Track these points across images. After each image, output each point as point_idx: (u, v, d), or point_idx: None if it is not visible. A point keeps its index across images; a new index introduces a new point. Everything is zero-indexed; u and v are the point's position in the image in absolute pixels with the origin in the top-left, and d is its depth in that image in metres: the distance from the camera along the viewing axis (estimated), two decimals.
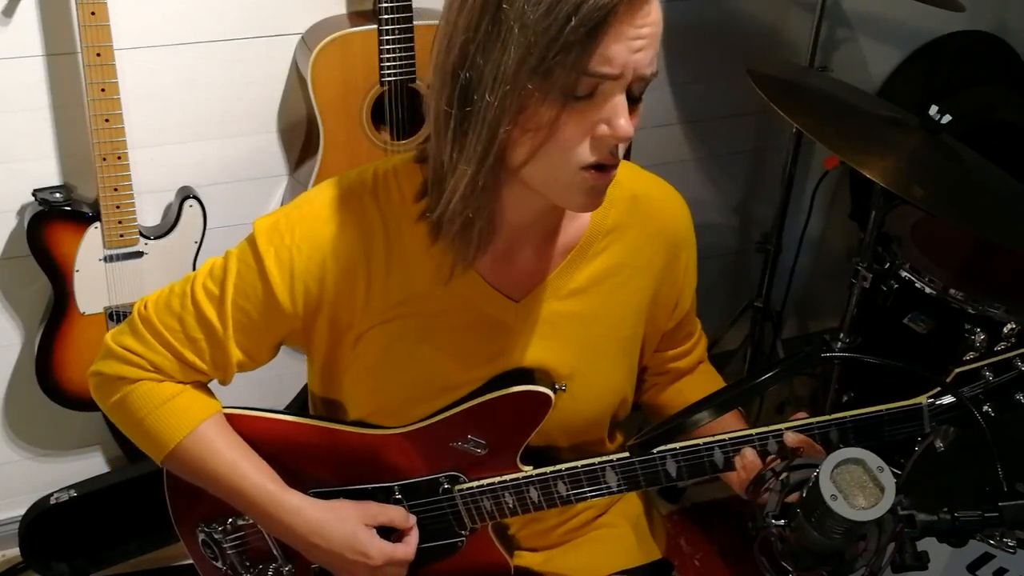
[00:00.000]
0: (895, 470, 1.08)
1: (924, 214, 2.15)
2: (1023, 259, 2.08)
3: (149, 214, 2.02)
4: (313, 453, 1.27)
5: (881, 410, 1.15)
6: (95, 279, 1.90)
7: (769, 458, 1.12)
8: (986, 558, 1.59)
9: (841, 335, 2.06)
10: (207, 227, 1.98)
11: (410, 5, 1.84)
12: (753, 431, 1.18)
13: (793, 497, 1.01)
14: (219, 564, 1.36)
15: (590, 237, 1.23)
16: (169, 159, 2.01)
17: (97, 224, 1.87)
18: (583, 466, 1.22)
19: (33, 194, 1.90)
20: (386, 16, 1.83)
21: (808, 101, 1.93)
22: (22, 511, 2.03)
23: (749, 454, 1.17)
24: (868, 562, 0.94)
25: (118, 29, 1.74)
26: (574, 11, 0.94)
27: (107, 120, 1.78)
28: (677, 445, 1.19)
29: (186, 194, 1.98)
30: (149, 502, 1.60)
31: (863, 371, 2.12)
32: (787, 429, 1.15)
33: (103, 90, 1.75)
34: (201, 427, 1.23)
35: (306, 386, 1.38)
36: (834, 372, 2.15)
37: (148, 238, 1.93)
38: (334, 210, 1.17)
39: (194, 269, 1.97)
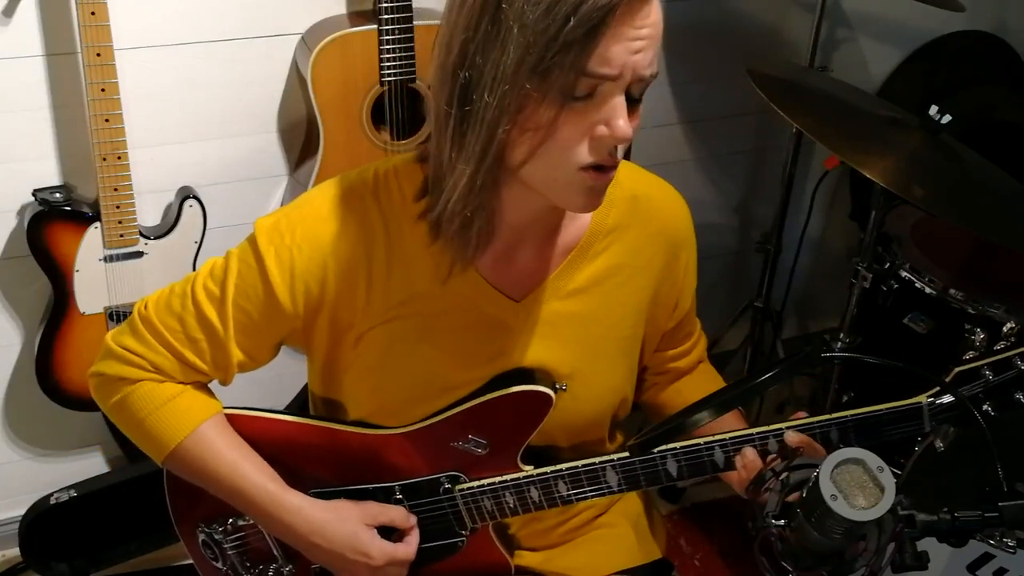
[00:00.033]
0: (895, 470, 1.08)
1: (924, 214, 2.15)
2: (1023, 259, 2.08)
3: (149, 214, 2.02)
4: (314, 453, 1.27)
5: (881, 409, 1.15)
6: (95, 279, 1.90)
7: (769, 457, 1.12)
8: (986, 558, 1.59)
9: (841, 335, 2.06)
10: (207, 227, 1.98)
11: (410, 5, 1.84)
12: (754, 430, 1.18)
13: (793, 497, 1.01)
14: (219, 565, 1.36)
15: (591, 237, 1.23)
16: (169, 159, 2.01)
17: (97, 224, 1.87)
18: (584, 466, 1.22)
19: (33, 194, 1.90)
20: (386, 16, 1.83)
21: (808, 101, 1.93)
22: (22, 511, 2.03)
23: (750, 453, 1.17)
24: (868, 562, 0.94)
25: (118, 29, 1.74)
26: (573, 11, 0.94)
27: (107, 120, 1.78)
28: (678, 444, 1.19)
29: (186, 194, 1.98)
30: (149, 502, 1.60)
31: (863, 371, 2.12)
32: (787, 428, 1.15)
33: (103, 90, 1.75)
34: (202, 427, 1.22)
35: (306, 386, 1.38)
36: (834, 372, 2.15)
37: (148, 238, 1.93)
38: (335, 210, 1.17)
39: (194, 269, 1.97)
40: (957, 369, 1.13)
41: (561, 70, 0.97)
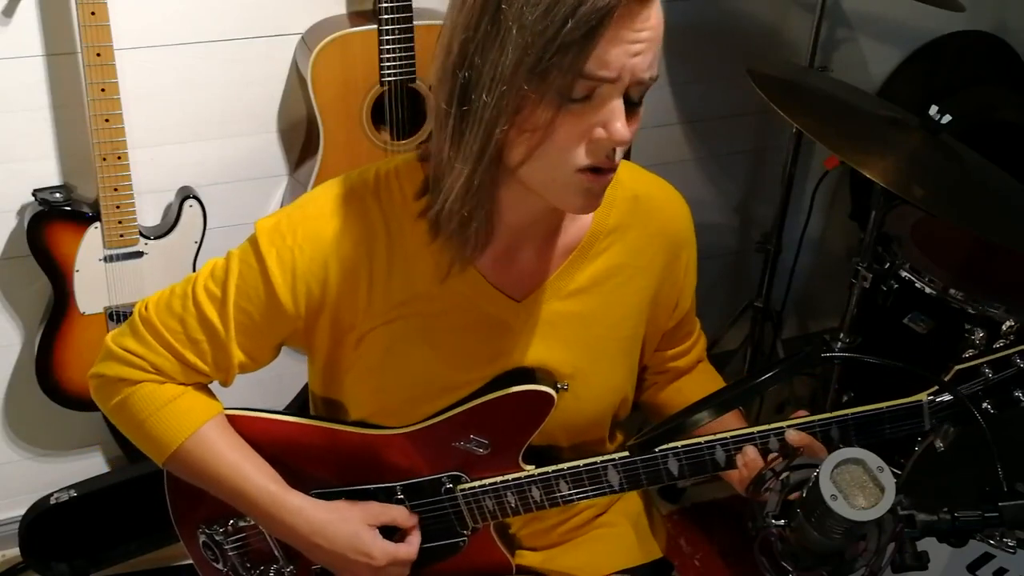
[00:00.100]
0: (895, 470, 1.08)
1: (924, 214, 2.15)
2: (1023, 259, 2.08)
3: (149, 214, 2.02)
4: (315, 454, 1.27)
5: (882, 408, 1.15)
6: (95, 279, 1.90)
7: (770, 456, 1.12)
8: (986, 558, 1.59)
9: (841, 335, 2.06)
10: (207, 227, 1.98)
11: (410, 5, 1.84)
12: (755, 429, 1.18)
13: (794, 496, 1.01)
14: (220, 566, 1.36)
15: (592, 237, 1.23)
16: (169, 159, 2.01)
17: (97, 224, 1.87)
18: (585, 465, 1.22)
19: (33, 194, 1.90)
20: (386, 16, 1.83)
21: (808, 101, 1.93)
22: (22, 511, 2.03)
23: (751, 452, 1.17)
24: (868, 562, 0.94)
25: (118, 29, 1.74)
26: (571, 13, 0.94)
27: (107, 120, 1.78)
28: (679, 443, 1.19)
29: (186, 194, 1.98)
30: (149, 502, 1.60)
31: (863, 371, 2.12)
32: (788, 427, 1.16)
33: (103, 90, 1.75)
34: (203, 429, 1.22)
35: (306, 386, 1.38)
36: (834, 372, 2.15)
37: (148, 238, 1.93)
38: (336, 210, 1.17)
39: (194, 269, 1.97)
40: (957, 367, 1.13)
41: (559, 71, 0.97)
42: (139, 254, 1.92)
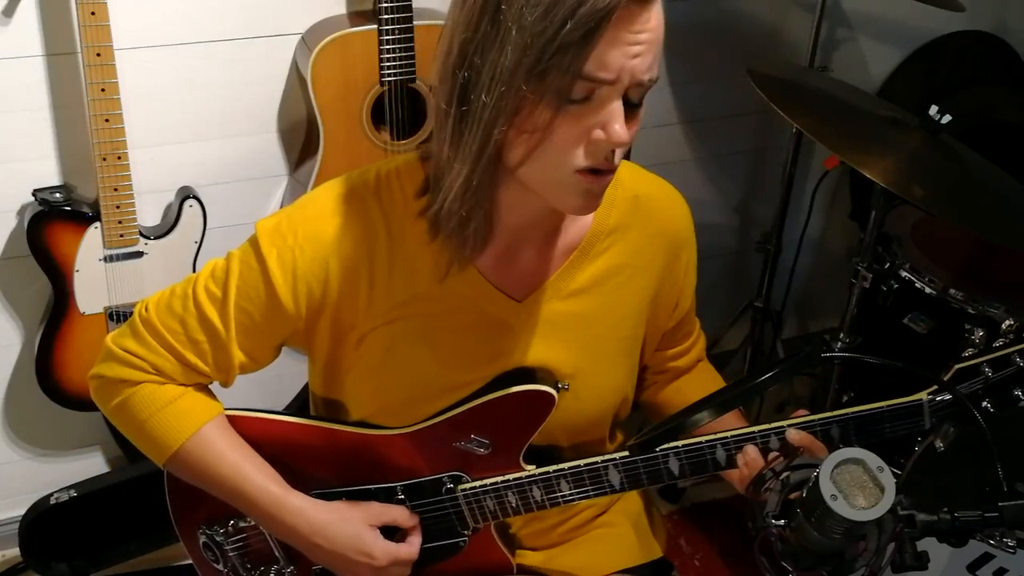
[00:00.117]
0: (895, 470, 1.08)
1: (924, 214, 2.15)
2: (1023, 259, 2.08)
3: (149, 214, 2.02)
4: (315, 454, 1.27)
5: (882, 407, 1.15)
6: (95, 279, 1.90)
7: (771, 455, 1.12)
8: (986, 558, 1.59)
9: (841, 335, 2.06)
10: (207, 227, 1.98)
11: (410, 5, 1.84)
12: (755, 428, 1.18)
13: (794, 496, 1.01)
14: (220, 566, 1.36)
15: (592, 237, 1.23)
16: (169, 159, 2.01)
17: (97, 224, 1.87)
18: (586, 465, 1.22)
19: (33, 194, 1.90)
20: (386, 16, 1.83)
21: (808, 101, 1.93)
22: (22, 511, 2.03)
23: (751, 451, 1.17)
24: (868, 562, 0.94)
25: (118, 29, 1.74)
26: (570, 14, 0.94)
27: (107, 120, 1.78)
28: (679, 443, 1.19)
29: (186, 194, 1.98)
30: (149, 502, 1.60)
31: (863, 371, 2.12)
32: (789, 426, 1.16)
33: (103, 90, 1.75)
34: (203, 429, 1.22)
35: (306, 386, 1.38)
36: (834, 372, 2.15)
37: (148, 238, 1.93)
38: (337, 211, 1.17)
39: (194, 269, 1.98)
40: (957, 366, 1.14)
41: (557, 72, 0.97)
42: (139, 254, 1.92)
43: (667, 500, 2.47)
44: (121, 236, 1.88)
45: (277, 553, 1.33)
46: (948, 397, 1.14)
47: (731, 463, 1.19)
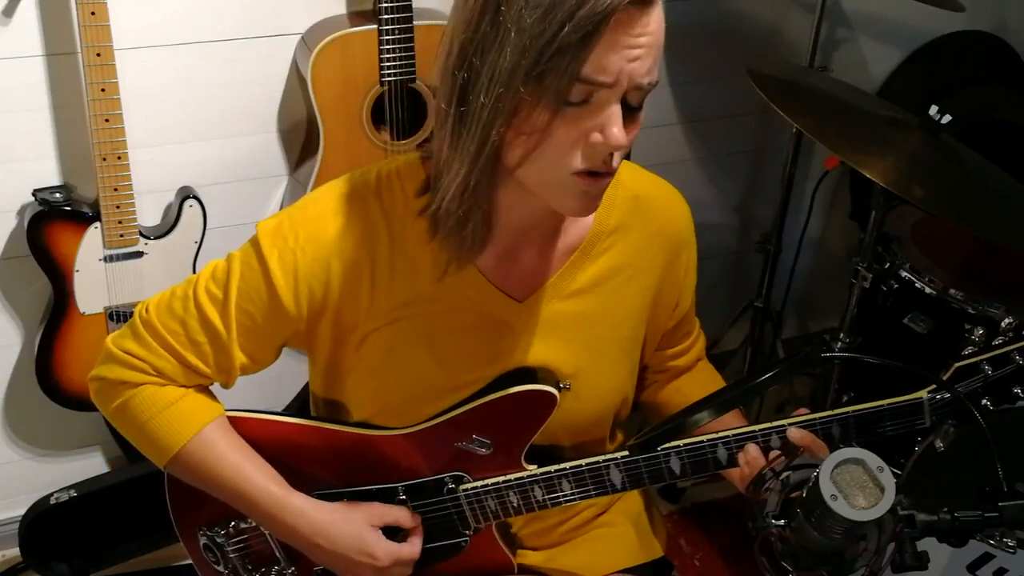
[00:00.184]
0: (895, 470, 1.08)
1: (924, 214, 2.15)
2: (1023, 259, 2.08)
3: (149, 214, 2.02)
4: (316, 455, 1.27)
5: (883, 405, 1.15)
6: (95, 279, 1.90)
7: (772, 454, 1.12)
8: (986, 558, 1.59)
9: (841, 335, 2.06)
10: (207, 227, 1.98)
11: (410, 5, 1.84)
12: (756, 427, 1.18)
13: (794, 496, 1.01)
14: (221, 568, 1.36)
15: (593, 238, 1.23)
16: (169, 159, 2.01)
17: (97, 224, 1.87)
18: (588, 464, 1.22)
19: (33, 194, 1.90)
20: (386, 16, 1.83)
21: (808, 101, 1.93)
22: (22, 511, 2.03)
23: (752, 450, 1.17)
24: (868, 562, 0.94)
25: (118, 29, 1.74)
26: (569, 17, 0.94)
27: (107, 120, 1.78)
28: (681, 442, 1.19)
29: (186, 194, 1.98)
30: (149, 502, 1.60)
31: (863, 371, 2.12)
32: (790, 424, 1.16)
33: (103, 90, 1.75)
34: (205, 431, 1.22)
35: (307, 386, 1.38)
36: (834, 372, 2.15)
37: (148, 238, 1.93)
38: (338, 211, 1.17)
39: (194, 269, 1.98)
40: (957, 365, 1.14)
41: (555, 75, 0.97)
42: (139, 254, 1.92)
43: (667, 500, 2.48)
44: (121, 236, 1.88)
45: (278, 554, 1.33)
46: (948, 396, 1.14)
47: (732, 462, 1.19)
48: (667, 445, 1.19)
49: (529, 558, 1.37)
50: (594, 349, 1.26)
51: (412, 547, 1.26)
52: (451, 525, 1.29)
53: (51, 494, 2.02)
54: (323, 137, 1.93)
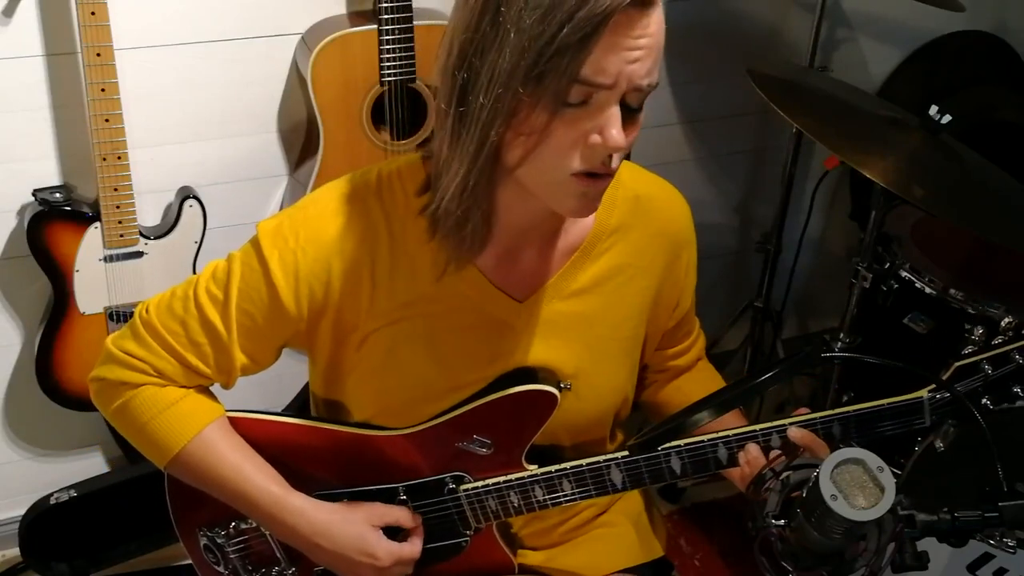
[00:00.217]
0: (895, 470, 1.08)
1: (924, 214, 2.15)
2: (1023, 259, 2.08)
3: (149, 214, 2.02)
4: (317, 455, 1.27)
5: (883, 404, 1.15)
6: (95, 279, 1.90)
7: (772, 454, 1.12)
8: (986, 558, 1.59)
9: (841, 335, 2.06)
10: (207, 227, 1.98)
11: (410, 5, 1.84)
12: (757, 427, 1.18)
13: (794, 496, 1.01)
14: (221, 568, 1.36)
15: (594, 238, 1.23)
16: (169, 159, 2.01)
17: (97, 224, 1.87)
18: (588, 464, 1.22)
19: (33, 194, 1.90)
20: (386, 16, 1.83)
21: (808, 101, 1.93)
22: (22, 511, 2.03)
23: (753, 450, 1.17)
24: (868, 562, 0.94)
25: (118, 29, 1.74)
26: (568, 18, 0.94)
27: (107, 120, 1.78)
28: (681, 442, 1.19)
29: (186, 194, 1.98)
30: (149, 502, 1.60)
31: (863, 371, 2.12)
32: (790, 424, 1.16)
33: (103, 90, 1.75)
34: (205, 431, 1.22)
35: (307, 386, 1.38)
36: (834, 372, 2.15)
37: (148, 238, 1.93)
38: (338, 212, 1.17)
39: (194, 270, 1.98)
40: (957, 364, 1.14)
41: (554, 76, 0.97)
42: (139, 254, 1.92)
43: (667, 500, 2.47)
44: (121, 236, 1.88)
45: (279, 554, 1.33)
46: (948, 395, 1.14)
47: (733, 461, 1.19)
48: (667, 445, 1.19)
49: (529, 558, 1.37)
50: (595, 349, 1.26)
51: (413, 547, 1.26)
52: (452, 525, 1.29)
53: (51, 494, 2.02)
54: (323, 137, 1.93)
